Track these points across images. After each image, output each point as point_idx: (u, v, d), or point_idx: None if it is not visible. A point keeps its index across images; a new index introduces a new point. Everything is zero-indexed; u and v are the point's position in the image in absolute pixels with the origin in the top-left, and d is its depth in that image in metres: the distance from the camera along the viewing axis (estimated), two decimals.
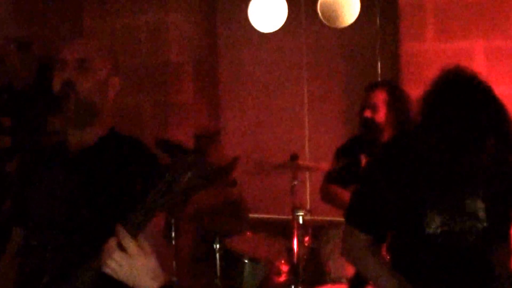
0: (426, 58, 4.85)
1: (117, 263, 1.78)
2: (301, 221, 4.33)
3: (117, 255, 1.78)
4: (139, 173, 2.25)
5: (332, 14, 5.38)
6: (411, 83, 4.70)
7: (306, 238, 4.45)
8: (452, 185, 2.51)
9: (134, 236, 1.78)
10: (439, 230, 2.49)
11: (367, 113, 4.23)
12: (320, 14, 5.37)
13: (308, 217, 4.52)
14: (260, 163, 4.79)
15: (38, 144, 2.58)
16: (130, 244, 1.77)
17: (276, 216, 5.68)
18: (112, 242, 1.79)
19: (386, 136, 4.22)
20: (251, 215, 5.40)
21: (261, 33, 5.67)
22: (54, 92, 2.32)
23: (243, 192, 5.25)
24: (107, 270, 1.81)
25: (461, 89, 2.47)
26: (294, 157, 4.54)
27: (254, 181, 5.57)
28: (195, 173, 1.71)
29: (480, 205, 2.52)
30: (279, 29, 5.59)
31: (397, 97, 4.24)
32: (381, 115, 4.21)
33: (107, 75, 2.40)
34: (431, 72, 2.59)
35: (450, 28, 4.87)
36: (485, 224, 2.53)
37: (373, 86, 4.37)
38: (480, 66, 4.69)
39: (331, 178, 4.46)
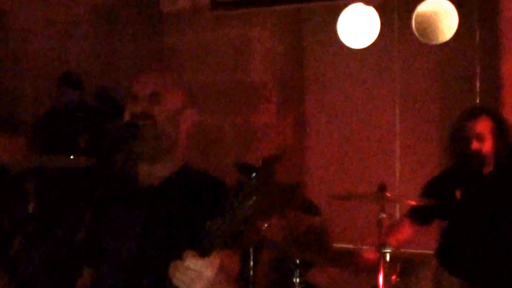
0: None
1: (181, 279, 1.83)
2: (387, 259, 3.99)
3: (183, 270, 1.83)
4: (209, 211, 2.12)
5: (427, 29, 5.04)
6: None
7: (393, 277, 4.10)
8: None
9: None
10: None
11: (475, 145, 3.85)
12: (414, 29, 5.03)
13: (397, 252, 4.20)
14: (345, 192, 4.44)
15: (109, 182, 2.49)
16: (195, 261, 1.81)
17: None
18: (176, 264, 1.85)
19: (487, 169, 3.87)
20: (335, 245, 5.07)
21: (350, 49, 5.33)
22: (125, 124, 2.31)
23: (327, 221, 4.96)
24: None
25: None
26: (382, 188, 4.20)
27: (340, 210, 5.25)
28: (260, 198, 1.71)
29: None
30: (370, 46, 5.26)
31: (503, 126, 3.90)
32: (488, 146, 3.85)
33: (181, 107, 2.38)
34: None
35: None
36: None
37: (477, 113, 3.97)
38: None
39: (413, 212, 4.15)
